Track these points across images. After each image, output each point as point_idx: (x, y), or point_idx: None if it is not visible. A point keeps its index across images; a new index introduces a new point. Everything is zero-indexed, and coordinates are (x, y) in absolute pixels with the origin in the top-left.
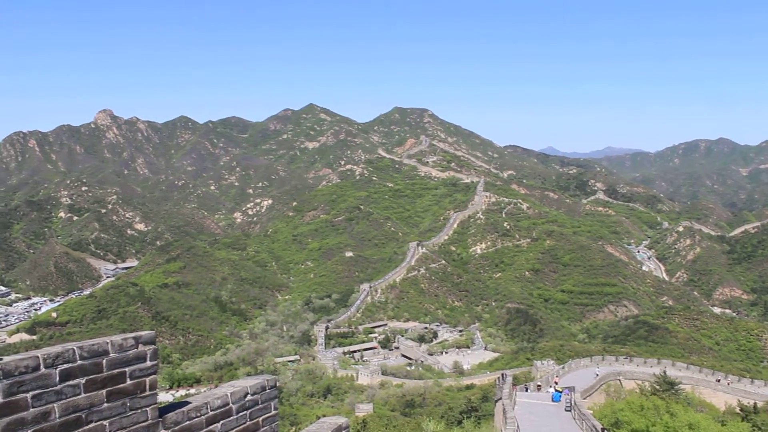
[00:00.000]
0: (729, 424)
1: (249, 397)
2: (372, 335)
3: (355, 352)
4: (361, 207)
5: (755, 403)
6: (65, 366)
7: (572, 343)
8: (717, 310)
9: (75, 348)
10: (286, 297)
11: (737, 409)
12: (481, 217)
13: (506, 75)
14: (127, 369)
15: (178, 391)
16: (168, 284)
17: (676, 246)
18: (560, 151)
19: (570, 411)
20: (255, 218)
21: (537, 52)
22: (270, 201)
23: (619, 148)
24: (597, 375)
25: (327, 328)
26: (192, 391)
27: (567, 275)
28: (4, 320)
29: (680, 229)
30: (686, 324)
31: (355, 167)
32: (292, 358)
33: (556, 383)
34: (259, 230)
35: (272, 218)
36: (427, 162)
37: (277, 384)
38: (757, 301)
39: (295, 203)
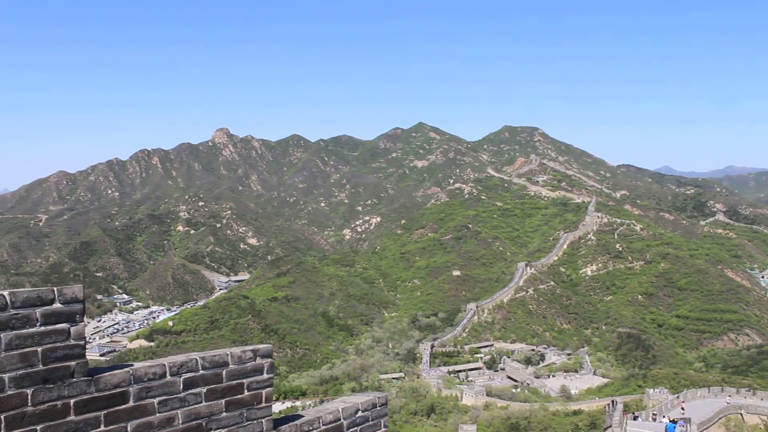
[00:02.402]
0: None
1: (360, 414)
2: (477, 355)
3: (459, 371)
4: (470, 226)
5: None
6: (189, 375)
7: (688, 372)
8: None
9: (198, 358)
10: (393, 314)
11: None
12: (592, 238)
13: (619, 93)
14: (245, 380)
15: (284, 402)
16: (277, 298)
17: None
18: (677, 170)
19: None
20: (363, 235)
21: (651, 71)
22: (378, 218)
23: (742, 167)
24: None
25: (432, 346)
26: (298, 403)
27: (683, 300)
28: (125, 326)
29: None
30: None
31: (464, 186)
32: (396, 375)
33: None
34: (367, 247)
35: (380, 236)
36: (537, 181)
37: (388, 402)
38: None
39: (403, 221)
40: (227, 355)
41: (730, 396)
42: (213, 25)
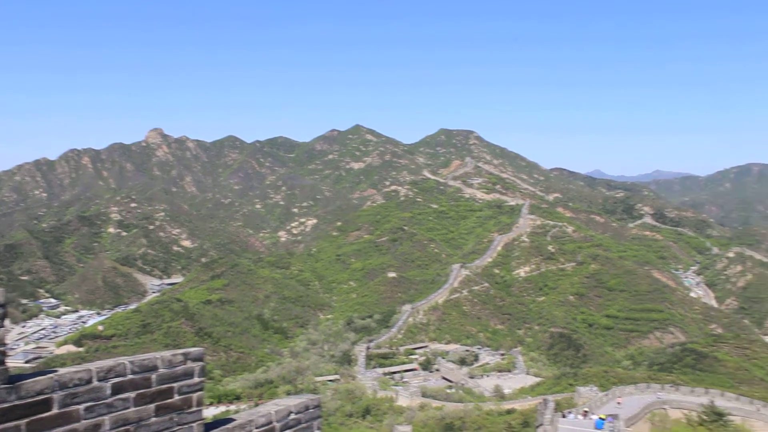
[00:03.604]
0: None
1: (292, 416)
2: (413, 357)
3: (395, 373)
4: (405, 228)
5: None
6: (117, 379)
7: (616, 370)
8: None
9: (126, 362)
10: (328, 316)
11: None
12: (526, 239)
13: (552, 100)
14: (175, 384)
15: (218, 407)
16: (212, 301)
17: (726, 272)
18: (607, 174)
19: None
20: (299, 237)
21: (582, 78)
22: (314, 220)
23: (668, 171)
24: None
25: (368, 348)
26: (232, 407)
27: (612, 300)
28: (53, 332)
29: (731, 255)
30: (736, 353)
31: (400, 188)
32: (332, 377)
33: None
34: (302, 249)
35: (316, 238)
36: (472, 184)
37: (321, 404)
38: None
39: (339, 223)
40: (157, 358)
41: (659, 391)
42: (147, 26)
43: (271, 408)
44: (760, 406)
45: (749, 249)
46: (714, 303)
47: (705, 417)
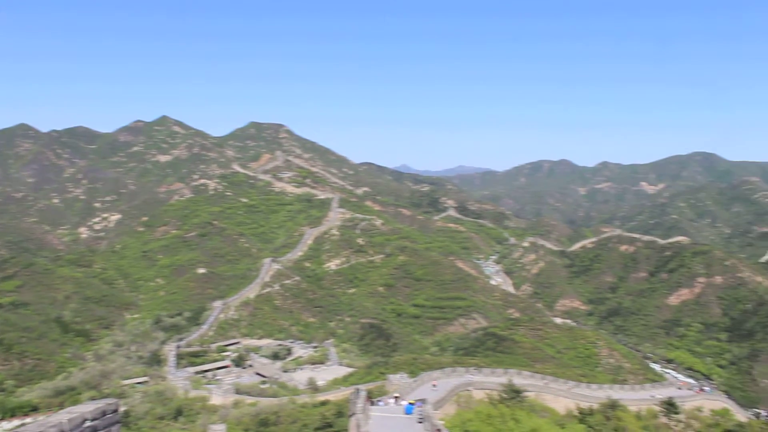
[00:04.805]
0: (567, 426)
1: (88, 423)
2: (225, 354)
3: (207, 371)
4: (215, 222)
5: (591, 406)
6: None
7: (424, 356)
8: (558, 320)
9: None
10: (135, 316)
11: (575, 412)
12: (336, 233)
13: (361, 95)
14: None
15: (11, 421)
16: (2, 304)
17: (522, 260)
18: (414, 168)
19: (422, 423)
20: (102, 233)
21: (390, 74)
22: (118, 215)
23: (470, 166)
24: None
25: (178, 347)
26: (28, 420)
27: (419, 290)
28: None
29: (525, 244)
30: (531, 334)
31: (209, 182)
32: (140, 379)
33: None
34: (106, 246)
35: (121, 234)
36: (282, 178)
37: (120, 408)
38: (593, 311)
39: (145, 218)
40: None
41: (470, 374)
42: None
43: (64, 416)
44: (549, 381)
45: (541, 239)
46: (512, 289)
47: (504, 395)
